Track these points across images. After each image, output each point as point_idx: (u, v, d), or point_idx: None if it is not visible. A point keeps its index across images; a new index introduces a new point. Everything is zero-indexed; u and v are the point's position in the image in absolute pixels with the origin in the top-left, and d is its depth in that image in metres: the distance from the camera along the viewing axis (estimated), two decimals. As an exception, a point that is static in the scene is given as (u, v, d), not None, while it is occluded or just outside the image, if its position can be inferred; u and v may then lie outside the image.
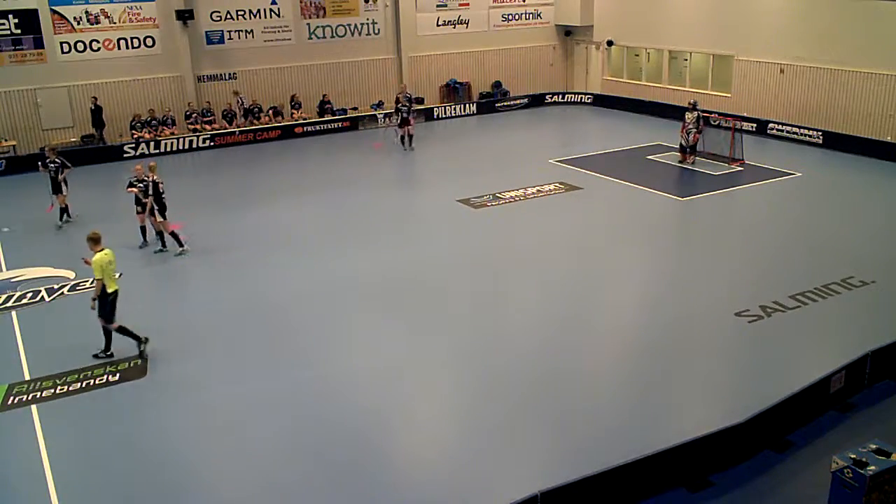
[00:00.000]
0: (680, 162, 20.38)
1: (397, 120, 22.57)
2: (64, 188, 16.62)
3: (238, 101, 24.81)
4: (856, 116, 21.62)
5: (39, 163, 16.91)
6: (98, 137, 23.25)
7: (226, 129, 24.57)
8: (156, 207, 14.61)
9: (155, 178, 14.60)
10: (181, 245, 14.71)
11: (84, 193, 18.59)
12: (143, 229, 15.07)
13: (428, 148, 24.00)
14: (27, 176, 20.70)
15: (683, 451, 7.59)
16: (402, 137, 22.34)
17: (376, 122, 26.48)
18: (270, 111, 25.35)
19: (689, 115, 19.90)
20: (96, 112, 23.11)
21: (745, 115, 23.24)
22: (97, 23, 23.17)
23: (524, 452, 8.39)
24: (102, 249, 10.40)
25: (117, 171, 21.98)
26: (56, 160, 16.54)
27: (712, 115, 22.64)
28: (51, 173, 16.49)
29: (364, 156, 22.72)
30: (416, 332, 11.27)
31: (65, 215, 16.80)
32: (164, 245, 14.86)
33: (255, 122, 25.14)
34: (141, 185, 14.64)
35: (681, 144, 20.43)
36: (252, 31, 25.36)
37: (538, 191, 18.11)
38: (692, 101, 20.58)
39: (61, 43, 22.82)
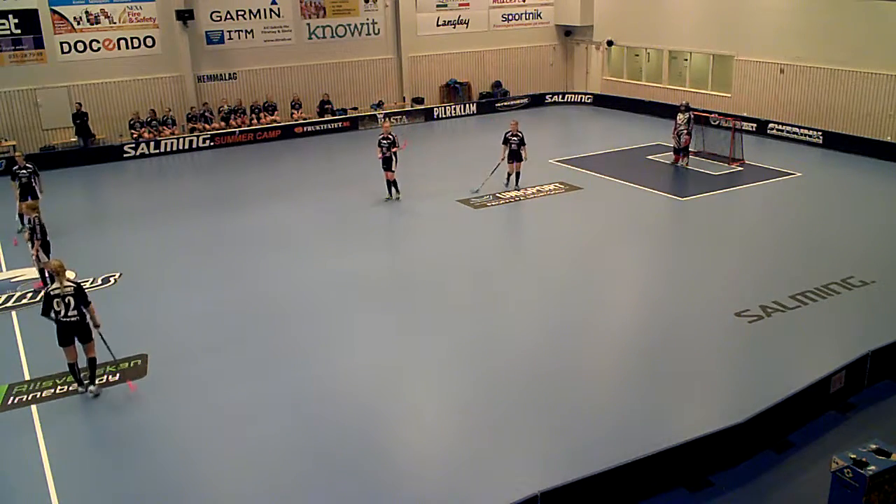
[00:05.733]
0: (672, 163, 20.37)
1: (505, 152, 17.97)
2: (39, 196, 15.85)
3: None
4: (856, 116, 21.62)
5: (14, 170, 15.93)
6: (83, 146, 22.94)
7: (225, 128, 24.61)
8: (40, 250, 13.01)
9: (37, 216, 13.05)
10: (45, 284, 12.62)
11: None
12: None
13: (428, 148, 24.01)
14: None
15: (683, 451, 7.59)
16: (509, 175, 18.20)
17: (376, 122, 26.48)
18: (264, 108, 25.37)
19: (680, 117, 19.84)
20: (81, 118, 22.76)
21: (745, 115, 23.25)
22: (97, 23, 23.19)
23: (524, 452, 8.38)
24: None
25: (115, 172, 22.05)
26: (27, 166, 15.97)
27: (712, 115, 22.65)
28: (22, 180, 15.86)
29: (364, 156, 22.69)
30: (415, 332, 11.26)
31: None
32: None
33: (255, 121, 25.17)
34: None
35: (674, 147, 20.43)
36: (252, 31, 25.37)
37: (538, 191, 18.10)
38: (684, 102, 20.54)
39: (61, 43, 22.84)
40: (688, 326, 11.18)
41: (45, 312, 9.48)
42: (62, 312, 9.40)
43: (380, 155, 17.43)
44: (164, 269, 14.15)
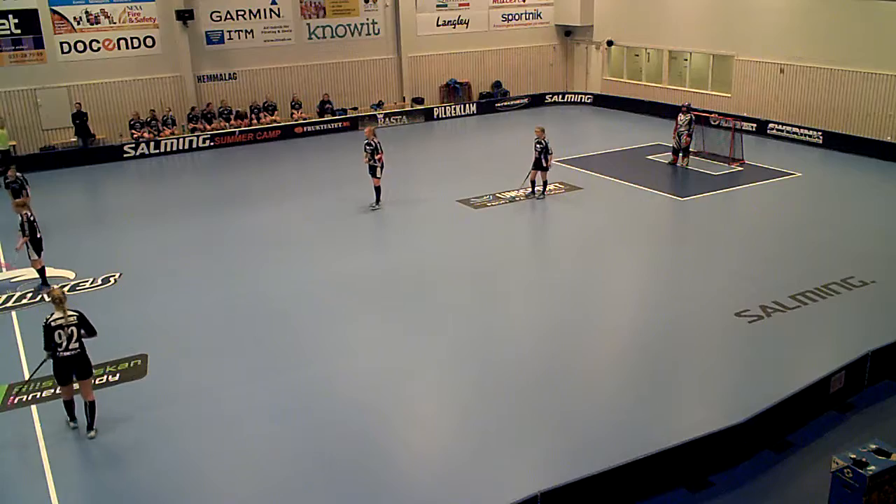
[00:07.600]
0: (670, 163, 20.37)
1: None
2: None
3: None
4: (856, 116, 21.61)
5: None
6: (83, 146, 22.90)
7: (225, 128, 24.60)
8: (29, 246, 12.91)
9: (27, 213, 12.90)
10: (45, 282, 13.10)
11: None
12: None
13: (428, 148, 24.03)
14: (26, 176, 20.69)
15: (683, 451, 7.60)
16: (534, 182, 17.60)
17: (376, 122, 26.47)
18: (262, 108, 25.34)
19: (681, 118, 19.84)
20: (80, 118, 22.70)
21: (745, 115, 23.25)
22: (97, 23, 23.18)
23: (524, 452, 8.38)
24: None
25: (115, 172, 22.05)
26: (17, 179, 16.11)
27: (712, 115, 22.65)
28: (14, 188, 16.06)
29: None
30: (415, 332, 11.26)
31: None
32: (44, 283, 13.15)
33: (255, 121, 25.17)
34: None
35: (673, 147, 20.43)
36: (252, 31, 25.37)
37: (538, 191, 18.06)
38: (686, 103, 20.56)
39: (61, 43, 22.82)
40: (688, 326, 11.18)
41: (48, 347, 8.56)
42: (63, 345, 8.53)
43: (365, 160, 16.88)
44: (164, 269, 14.14)
